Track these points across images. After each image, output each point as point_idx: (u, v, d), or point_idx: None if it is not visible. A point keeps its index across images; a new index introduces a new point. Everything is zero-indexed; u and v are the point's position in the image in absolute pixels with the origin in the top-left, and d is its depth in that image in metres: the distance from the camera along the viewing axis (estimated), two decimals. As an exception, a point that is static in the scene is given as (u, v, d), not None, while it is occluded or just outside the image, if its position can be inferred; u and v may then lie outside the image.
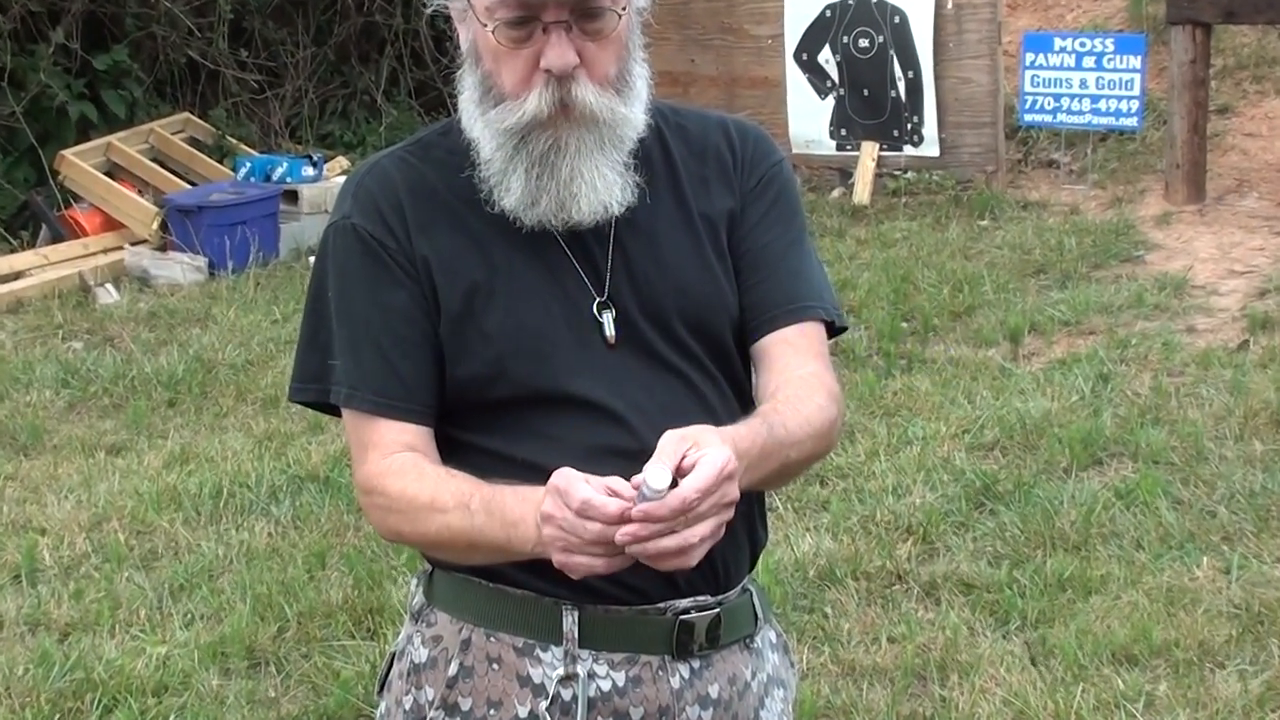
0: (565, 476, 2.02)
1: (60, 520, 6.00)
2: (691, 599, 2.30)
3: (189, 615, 5.22)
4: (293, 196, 10.49)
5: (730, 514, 2.04)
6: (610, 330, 2.26)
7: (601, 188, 2.23)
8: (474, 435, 2.27)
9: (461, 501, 2.13)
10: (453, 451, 2.26)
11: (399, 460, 2.22)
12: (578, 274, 2.27)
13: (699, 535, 2.01)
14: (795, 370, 2.30)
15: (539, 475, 2.09)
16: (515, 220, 2.25)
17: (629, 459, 2.16)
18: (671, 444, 2.03)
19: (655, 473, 1.95)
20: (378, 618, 5.06)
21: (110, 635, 5.07)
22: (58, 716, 4.60)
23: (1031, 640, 4.87)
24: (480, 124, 2.25)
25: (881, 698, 4.57)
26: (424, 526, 2.19)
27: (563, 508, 2.01)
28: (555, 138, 2.21)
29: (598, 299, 2.26)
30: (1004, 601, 5.07)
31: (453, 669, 2.30)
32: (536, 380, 2.23)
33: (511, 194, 2.24)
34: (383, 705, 2.41)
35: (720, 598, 2.33)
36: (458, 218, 2.27)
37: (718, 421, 2.24)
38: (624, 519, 1.98)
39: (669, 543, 2.00)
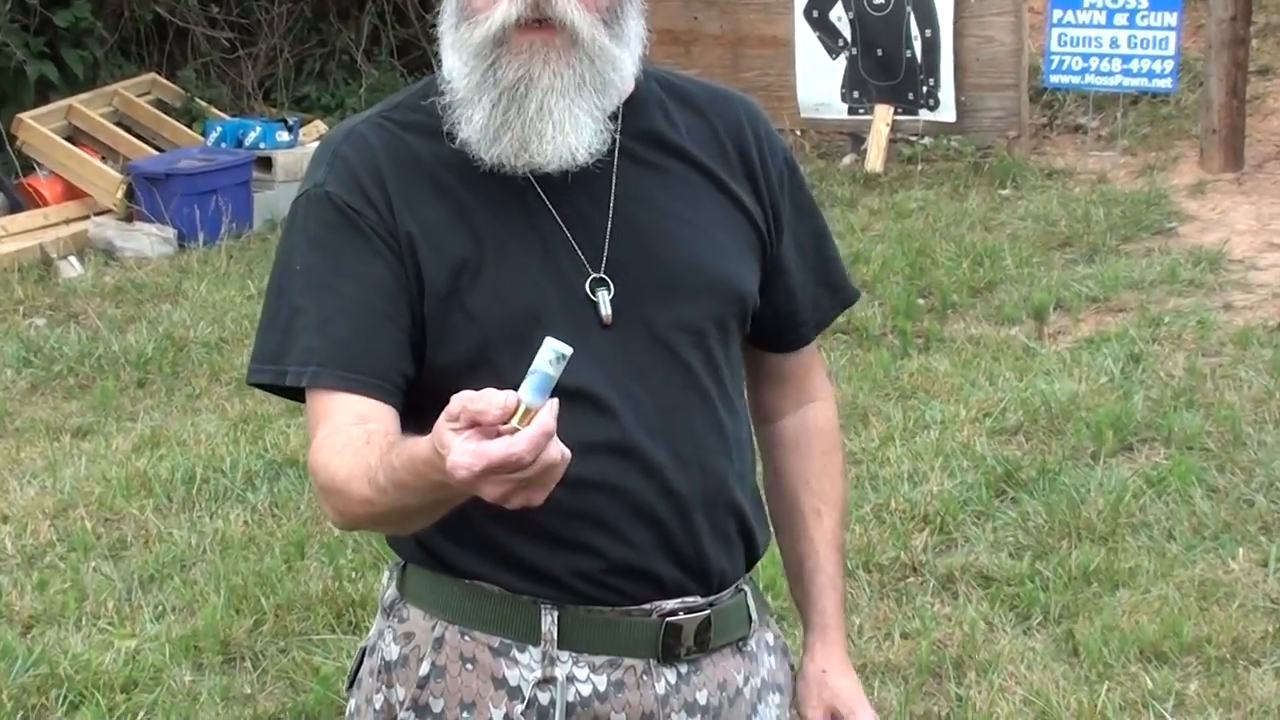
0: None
1: (23, 507, 6.03)
2: (679, 600, 2.29)
3: (160, 607, 5.25)
4: (267, 163, 10.50)
5: None
6: (605, 310, 2.23)
7: (571, 130, 2.18)
8: None
9: (372, 476, 2.03)
10: None
11: (335, 435, 2.14)
12: (572, 247, 2.24)
13: None
14: (811, 413, 2.54)
15: None
16: (475, 159, 2.20)
17: (619, 455, 2.18)
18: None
19: (556, 341, 1.82)
20: (360, 611, 5.08)
21: (76, 628, 5.10)
22: (20, 714, 4.63)
23: (1055, 636, 4.90)
24: (453, 48, 2.21)
25: (894, 696, 4.60)
26: (349, 506, 2.10)
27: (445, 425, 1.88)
28: (528, 68, 2.17)
29: (593, 275, 2.24)
30: (1026, 595, 5.10)
31: (424, 668, 2.29)
32: (521, 367, 2.18)
33: (473, 125, 2.19)
34: (352, 702, 2.41)
35: (711, 599, 2.33)
36: (443, 187, 2.24)
37: (713, 414, 2.27)
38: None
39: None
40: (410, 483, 1.97)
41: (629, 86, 2.29)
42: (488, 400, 1.81)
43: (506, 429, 1.81)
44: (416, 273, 2.21)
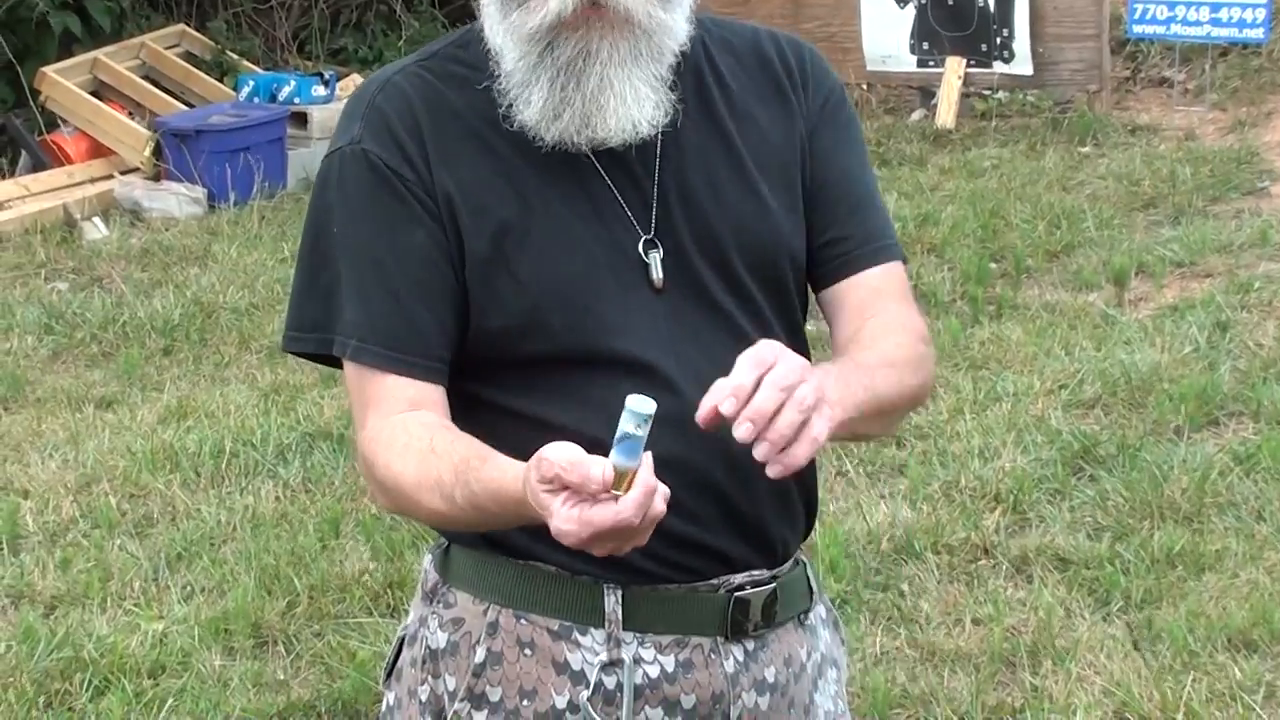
0: (549, 459, 1.94)
1: (44, 482, 6.06)
2: (746, 574, 2.30)
3: (188, 588, 5.27)
4: (301, 119, 10.52)
5: (818, 426, 2.02)
6: (657, 273, 2.25)
7: (632, 102, 2.20)
8: (499, 394, 2.26)
9: (446, 493, 2.11)
10: (473, 411, 2.25)
11: (391, 426, 2.19)
12: (621, 208, 2.25)
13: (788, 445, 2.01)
14: (880, 316, 2.34)
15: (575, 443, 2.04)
16: (536, 139, 2.22)
17: (679, 426, 2.17)
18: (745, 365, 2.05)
19: (641, 399, 1.91)
20: (398, 593, 5.10)
21: (101, 610, 5.13)
22: (43, 699, 4.66)
23: (1136, 623, 4.88)
24: (502, 30, 2.23)
25: (965, 686, 4.59)
26: (415, 511, 2.20)
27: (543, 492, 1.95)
28: (585, 42, 2.19)
29: (644, 236, 2.25)
30: (1105, 579, 5.08)
31: (479, 655, 2.29)
32: (575, 336, 2.22)
33: (532, 106, 2.21)
34: (391, 695, 2.41)
35: (776, 571, 2.34)
36: (484, 144, 2.25)
37: None
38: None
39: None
40: (494, 510, 2.06)
41: (684, 40, 2.29)
42: (584, 475, 1.90)
43: (606, 496, 1.93)
44: (456, 236, 2.22)
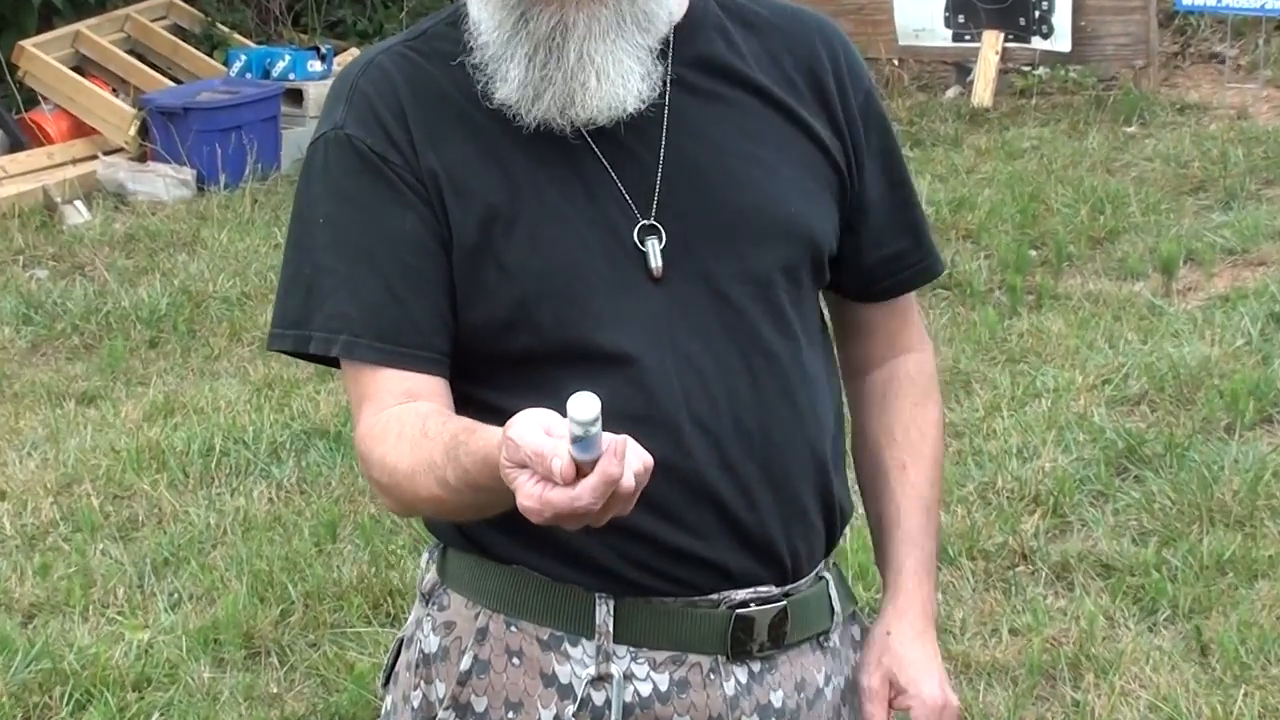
0: (517, 426, 1.94)
1: (23, 482, 6.07)
2: (750, 590, 2.29)
3: (175, 595, 5.28)
4: (296, 96, 10.53)
5: None
6: (655, 260, 2.23)
7: (616, 77, 2.19)
8: (486, 392, 2.26)
9: (440, 475, 2.10)
10: (459, 409, 2.24)
11: (385, 418, 2.19)
12: (617, 190, 2.24)
13: None
14: (902, 363, 2.50)
15: None
16: (517, 120, 2.21)
17: (672, 428, 2.18)
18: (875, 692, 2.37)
19: (581, 402, 1.89)
20: (399, 600, 5.10)
21: (82, 618, 5.14)
22: (21, 713, 4.66)
23: (1184, 633, 4.87)
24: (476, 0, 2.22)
25: (1002, 701, 4.59)
26: (415, 503, 2.18)
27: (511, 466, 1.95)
28: (561, 14, 2.17)
29: (641, 221, 2.24)
30: (1151, 587, 5.07)
31: (466, 662, 2.30)
32: (565, 330, 2.21)
33: (509, 84, 2.20)
34: (389, 699, 2.42)
35: (787, 588, 2.32)
36: (472, 126, 2.24)
37: (782, 378, 2.25)
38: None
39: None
40: (486, 484, 2.02)
41: (679, 11, 2.29)
42: (546, 469, 1.88)
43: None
44: (445, 219, 2.23)
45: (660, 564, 2.23)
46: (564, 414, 1.86)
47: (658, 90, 2.23)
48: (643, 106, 2.21)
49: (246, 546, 5.50)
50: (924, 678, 2.40)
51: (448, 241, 2.23)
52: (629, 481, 1.88)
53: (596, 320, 2.21)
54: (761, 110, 2.31)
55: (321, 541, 5.53)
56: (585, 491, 1.86)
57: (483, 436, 2.02)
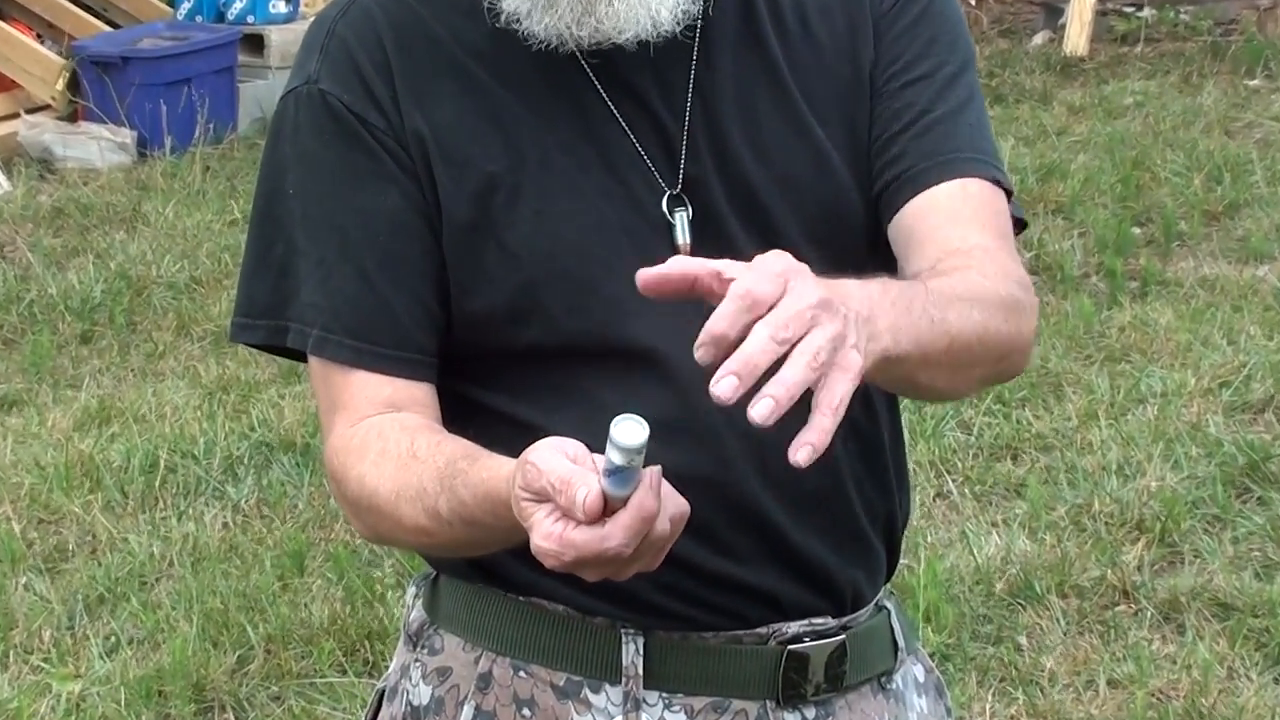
0: (535, 463, 1.91)
1: (-70, 503, 6.09)
2: (804, 621, 2.29)
3: (112, 639, 5.28)
4: (256, 43, 10.55)
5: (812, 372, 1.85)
6: (683, 236, 2.24)
7: None
8: (493, 395, 2.26)
9: (429, 505, 2.10)
10: (464, 417, 2.25)
11: (362, 431, 2.19)
12: (639, 155, 2.25)
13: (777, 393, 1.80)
14: (962, 248, 2.24)
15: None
16: (524, 35, 2.19)
17: (709, 437, 2.19)
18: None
19: (627, 427, 1.83)
20: (378, 645, 5.11)
21: (1, 666, 5.15)
22: (-71, 779, 4.68)
23: (1316, 686, 4.88)
24: None
25: (1098, 765, 4.60)
26: (396, 532, 2.19)
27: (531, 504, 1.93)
28: None
29: (669, 191, 2.25)
30: (1277, 630, 5.07)
31: (465, 714, 2.31)
32: (578, 321, 2.22)
33: None
34: None
35: (845, 620, 2.33)
36: (467, 78, 2.25)
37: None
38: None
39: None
40: (487, 522, 2.03)
41: None
42: (570, 501, 1.86)
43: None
44: (432, 193, 2.23)
45: (700, 592, 2.24)
46: (589, 433, 1.86)
47: (699, 7, 2.23)
48: (678, 27, 2.21)
49: (197, 581, 5.51)
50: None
51: (436, 220, 2.23)
52: (664, 526, 1.88)
53: (616, 308, 2.21)
54: (797, 65, 2.31)
55: (286, 575, 5.53)
56: (617, 530, 1.85)
57: (487, 466, 2.02)
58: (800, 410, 2.21)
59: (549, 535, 1.87)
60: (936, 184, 2.27)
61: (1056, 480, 5.88)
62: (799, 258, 2.18)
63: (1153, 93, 9.82)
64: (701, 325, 2.16)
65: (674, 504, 1.89)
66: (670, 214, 2.23)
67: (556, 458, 1.88)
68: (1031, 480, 5.89)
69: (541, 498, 1.89)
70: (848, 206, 2.31)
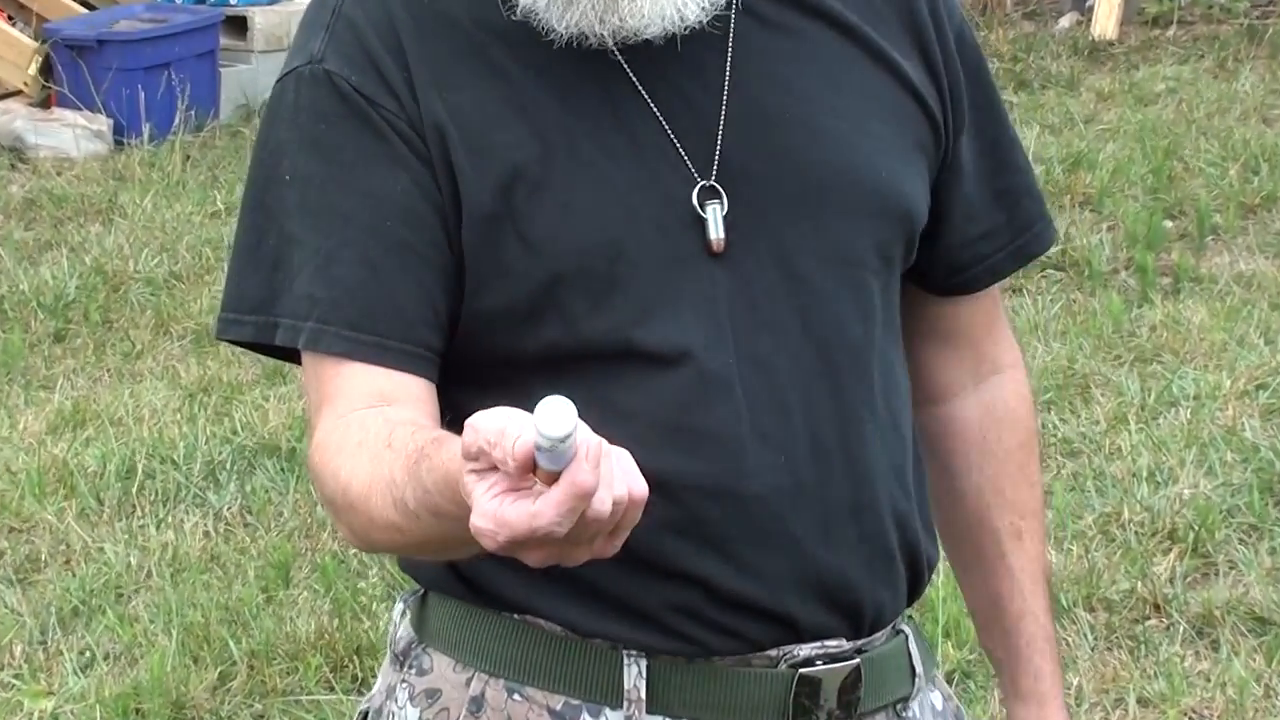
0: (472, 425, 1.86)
1: (-105, 511, 6.09)
2: (817, 644, 2.28)
3: (87, 654, 5.28)
4: (239, 25, 10.55)
5: None
6: (716, 231, 2.22)
7: None
8: (490, 403, 2.21)
9: (398, 496, 2.04)
10: (458, 427, 2.20)
11: (345, 424, 2.15)
12: (670, 143, 2.23)
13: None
14: (999, 389, 2.51)
15: None
16: (547, 33, 2.19)
17: (736, 444, 2.18)
18: None
19: (550, 413, 1.78)
20: (367, 660, 5.11)
21: (-30, 682, 5.16)
22: (-107, 802, 4.69)
23: (1359, 704, 4.88)
24: None
25: (1128, 789, 4.60)
26: (371, 531, 2.13)
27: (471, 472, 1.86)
28: None
29: (701, 182, 2.23)
30: (1317, 646, 5.08)
31: (455, 739, 2.30)
32: (602, 321, 2.20)
33: None
34: None
35: (861, 642, 2.32)
36: (489, 63, 2.23)
37: (867, 382, 2.26)
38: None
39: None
40: (450, 511, 1.95)
41: None
42: (504, 451, 1.79)
43: (526, 486, 1.82)
44: (450, 183, 2.21)
45: (711, 612, 2.22)
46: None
47: (723, 2, 2.22)
48: (705, 18, 2.20)
49: (176, 593, 5.51)
50: None
51: (448, 212, 2.21)
52: (602, 505, 1.79)
53: (642, 307, 2.20)
54: (844, 48, 2.31)
55: (270, 587, 5.53)
56: (547, 507, 1.77)
57: (450, 448, 1.94)
58: (835, 406, 2.23)
59: (484, 513, 1.80)
60: (998, 280, 2.50)
61: (1084, 487, 5.88)
62: (848, 257, 2.21)
63: (1186, 78, 9.82)
64: (730, 327, 2.18)
65: (627, 483, 1.81)
66: (702, 207, 2.22)
67: (495, 416, 1.81)
68: (1057, 487, 5.89)
69: (481, 464, 1.82)
70: (902, 205, 2.32)
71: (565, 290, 2.20)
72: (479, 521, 1.81)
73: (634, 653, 2.25)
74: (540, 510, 1.77)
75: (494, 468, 1.81)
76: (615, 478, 1.80)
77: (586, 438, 1.77)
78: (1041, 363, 6.59)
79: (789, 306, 2.24)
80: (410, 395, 2.19)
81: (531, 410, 1.83)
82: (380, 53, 2.23)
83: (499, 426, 1.79)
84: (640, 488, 1.81)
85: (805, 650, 2.28)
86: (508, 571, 2.21)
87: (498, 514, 1.80)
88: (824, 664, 2.29)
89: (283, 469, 6.22)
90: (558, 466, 1.78)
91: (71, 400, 6.90)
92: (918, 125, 2.34)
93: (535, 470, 1.80)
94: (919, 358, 2.48)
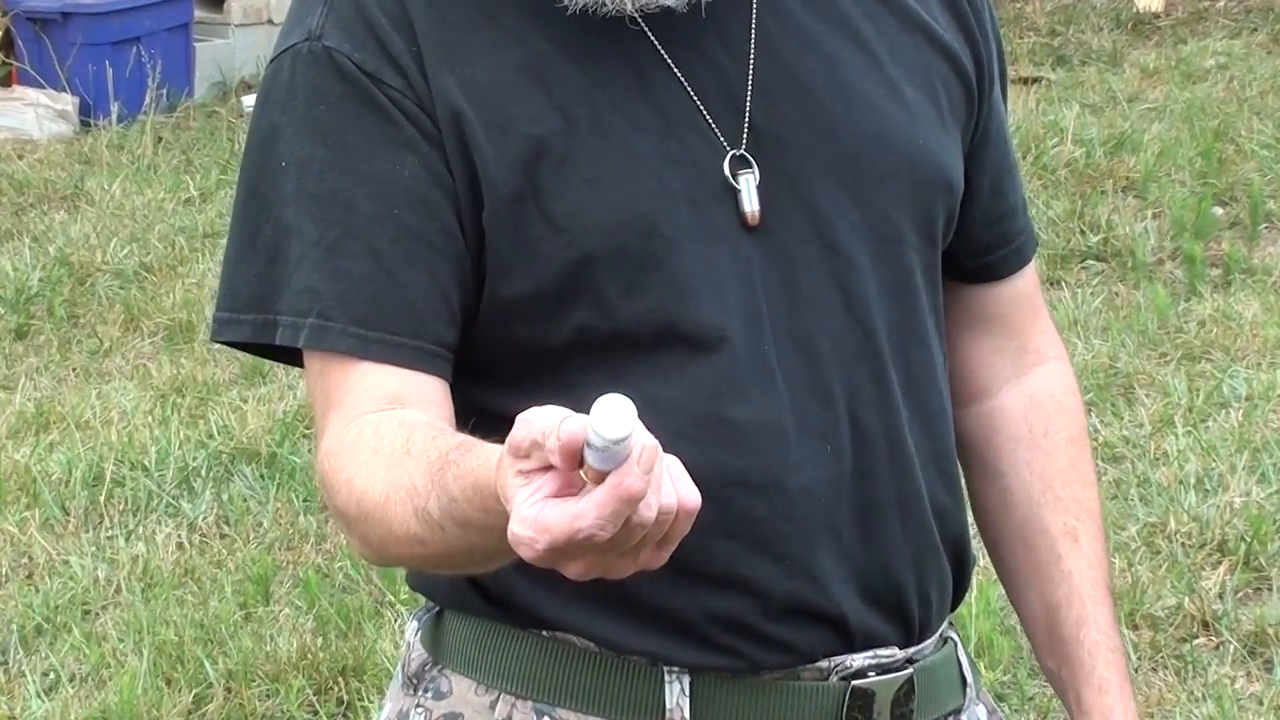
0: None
1: None
2: (869, 654, 2.29)
3: (51, 674, 5.29)
4: (216, -3, 10.56)
5: None
6: (750, 203, 2.22)
7: None
8: (514, 400, 2.10)
9: (420, 505, 2.03)
10: (477, 428, 2.16)
11: (357, 430, 2.14)
12: (698, 111, 2.23)
13: None
14: (1045, 379, 2.52)
15: None
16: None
17: (780, 434, 2.18)
18: None
19: (608, 413, 1.74)
20: (354, 682, 5.11)
21: (-74, 706, 5.17)
22: None
23: None
24: None
25: (1175, 820, 4.61)
26: (389, 543, 2.11)
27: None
28: None
29: (731, 151, 2.24)
30: (1379, 666, 5.09)
31: (480, 766, 2.30)
32: (639, 301, 2.20)
33: None
34: None
35: (912, 651, 2.33)
36: (504, 32, 2.23)
37: (914, 372, 2.27)
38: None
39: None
40: (478, 521, 1.95)
41: None
42: (556, 438, 1.75)
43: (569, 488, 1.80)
44: (466, 165, 2.20)
45: (759, 622, 2.22)
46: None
47: None
48: None
49: (148, 609, 5.52)
50: None
51: (461, 196, 2.20)
52: (648, 510, 1.77)
53: (681, 287, 2.20)
54: (878, 9, 2.33)
55: (249, 603, 5.54)
56: (590, 507, 1.74)
57: (479, 454, 1.93)
58: (878, 390, 2.24)
59: (524, 519, 1.77)
60: (1020, 269, 2.52)
61: (1127, 495, 5.89)
62: (887, 229, 2.26)
63: (1237, 54, 9.82)
64: (767, 307, 2.19)
65: (677, 490, 1.78)
66: (734, 177, 2.22)
67: (549, 411, 1.78)
68: (1100, 494, 5.89)
69: (532, 462, 1.78)
70: (942, 174, 2.33)
71: (597, 271, 2.20)
72: (518, 529, 1.78)
73: (676, 669, 2.25)
74: (583, 510, 1.74)
75: (541, 469, 1.78)
76: (664, 485, 1.77)
77: (643, 439, 1.74)
78: (1081, 361, 6.59)
79: (829, 283, 2.25)
80: (423, 396, 2.18)
81: (574, 410, 1.81)
82: (385, 26, 2.22)
83: (554, 419, 1.75)
84: (692, 497, 1.79)
85: (857, 661, 2.28)
86: (535, 585, 2.22)
87: (539, 519, 1.77)
88: (876, 675, 2.29)
89: (262, 476, 6.22)
90: (609, 468, 1.76)
91: (34, 402, 6.90)
92: (955, 92, 2.36)
93: (583, 467, 1.78)
94: (957, 348, 2.49)
